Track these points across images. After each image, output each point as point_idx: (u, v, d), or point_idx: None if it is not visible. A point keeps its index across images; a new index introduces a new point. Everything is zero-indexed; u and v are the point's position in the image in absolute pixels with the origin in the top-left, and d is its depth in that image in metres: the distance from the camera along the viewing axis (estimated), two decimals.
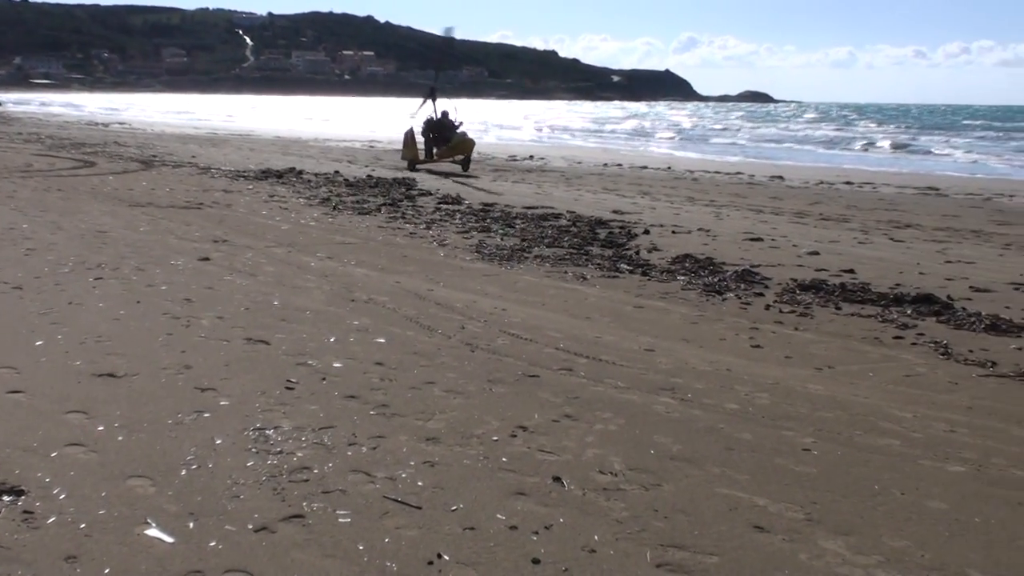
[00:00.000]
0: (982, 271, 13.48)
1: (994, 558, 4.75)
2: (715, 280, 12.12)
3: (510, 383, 7.53)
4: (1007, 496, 5.54)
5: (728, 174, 32.63)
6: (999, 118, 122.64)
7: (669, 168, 35.24)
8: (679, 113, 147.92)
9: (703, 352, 8.75)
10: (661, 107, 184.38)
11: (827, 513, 5.22)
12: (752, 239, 16.14)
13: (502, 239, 15.17)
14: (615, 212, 19.41)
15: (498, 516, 5.07)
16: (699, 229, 17.24)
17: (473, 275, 12.12)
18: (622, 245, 14.92)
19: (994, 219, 20.79)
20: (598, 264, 13.15)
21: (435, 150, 31.14)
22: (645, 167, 35.47)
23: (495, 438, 6.26)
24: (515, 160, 37.16)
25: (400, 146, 32.64)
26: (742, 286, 11.81)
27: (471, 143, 31.19)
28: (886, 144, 61.18)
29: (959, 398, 7.50)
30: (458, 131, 31.14)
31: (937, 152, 54.79)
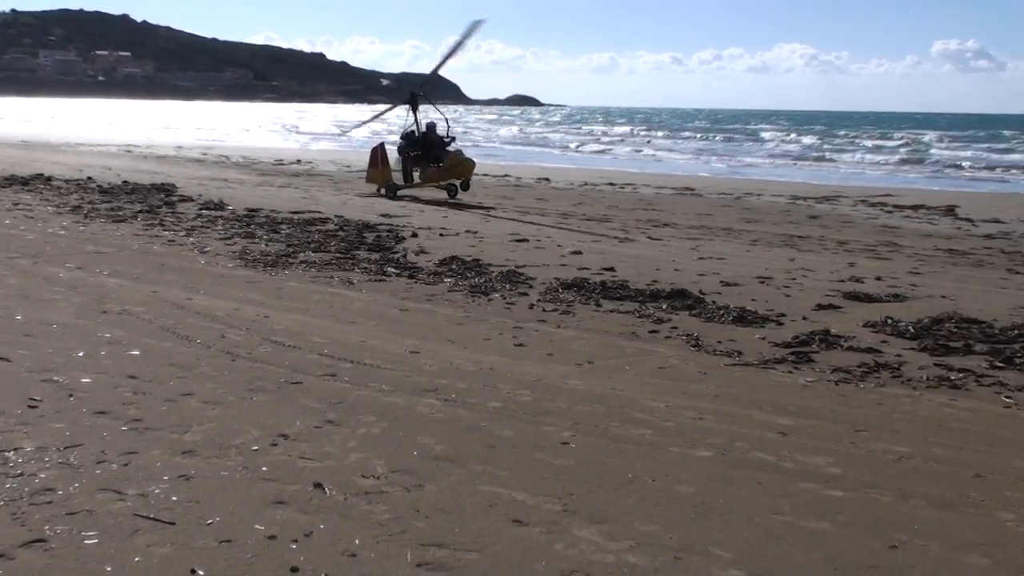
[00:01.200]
0: (732, 266, 14.26)
1: (735, 535, 5.03)
2: (481, 281, 12.29)
3: (272, 391, 7.38)
4: (748, 477, 5.87)
5: (496, 176, 33.15)
6: (741, 120, 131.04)
7: None
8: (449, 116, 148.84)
9: (468, 352, 8.85)
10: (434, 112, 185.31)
11: (583, 503, 5.38)
12: (518, 240, 16.46)
13: (267, 245, 14.85)
14: (383, 216, 19.37)
15: (256, 526, 4.95)
16: (467, 231, 17.45)
17: (235, 282, 11.81)
18: (390, 249, 14.91)
19: (743, 217, 22.06)
20: (365, 268, 13.07)
21: (417, 172, 25.41)
22: None
23: (255, 447, 6.12)
24: (282, 164, 36.45)
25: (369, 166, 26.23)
26: (507, 286, 12.02)
27: (471, 164, 25.43)
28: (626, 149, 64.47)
29: (708, 387, 7.90)
30: (450, 148, 25.46)
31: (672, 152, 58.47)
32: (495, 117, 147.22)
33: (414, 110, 25.95)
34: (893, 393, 7.82)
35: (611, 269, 13.53)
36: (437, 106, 27.02)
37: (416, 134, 25.48)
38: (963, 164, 49.23)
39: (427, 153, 25.21)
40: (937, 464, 6.18)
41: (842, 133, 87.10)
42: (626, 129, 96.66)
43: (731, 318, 10.49)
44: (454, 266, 13.35)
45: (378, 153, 25.72)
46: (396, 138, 26.62)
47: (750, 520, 5.23)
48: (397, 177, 25.33)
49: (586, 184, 30.66)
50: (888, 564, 4.76)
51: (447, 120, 26.54)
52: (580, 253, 15.12)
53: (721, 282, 12.74)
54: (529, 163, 44.65)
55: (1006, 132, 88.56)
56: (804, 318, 10.59)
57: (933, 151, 60.46)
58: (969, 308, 11.15)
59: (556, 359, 8.74)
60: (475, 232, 17.33)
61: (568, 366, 8.49)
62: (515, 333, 9.70)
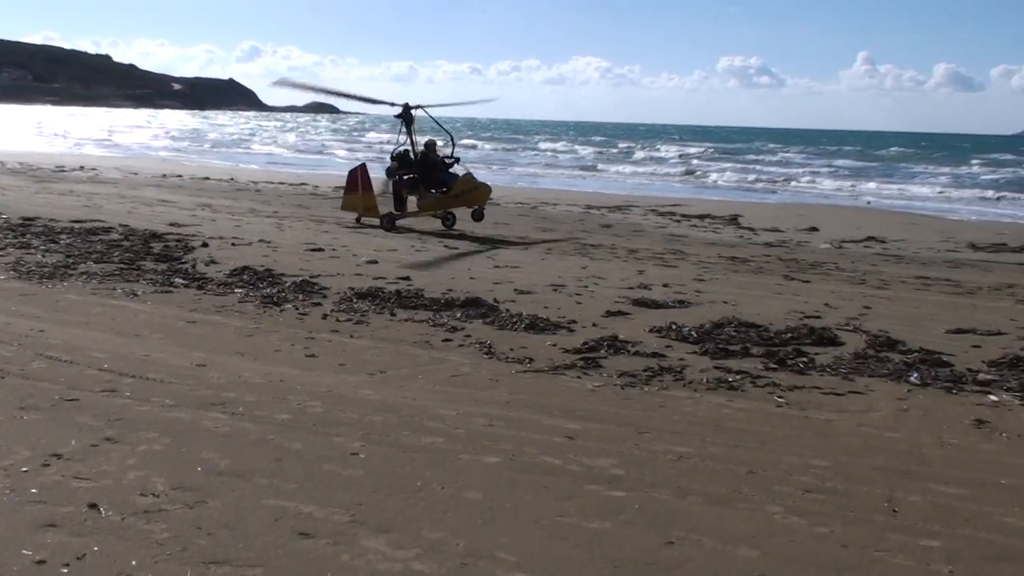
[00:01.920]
0: (526, 274, 14.50)
1: (520, 539, 5.11)
2: (274, 291, 12.04)
3: (45, 409, 7.01)
4: (535, 481, 5.98)
5: (293, 184, 32.63)
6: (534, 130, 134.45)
7: (232, 179, 34.57)
8: (239, 123, 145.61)
9: (257, 364, 8.66)
10: (224, 117, 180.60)
11: (371, 513, 5.35)
12: (313, 249, 16.25)
13: (43, 255, 14.09)
14: (172, 225, 18.71)
15: (24, 551, 4.69)
16: (260, 240, 17.08)
17: (7, 295, 11.15)
18: (178, 259, 14.42)
19: (539, 225, 22.50)
20: (151, 279, 12.59)
21: (416, 199, 21.62)
22: (207, 178, 34.54)
23: (24, 469, 5.79)
24: (63, 170, 34.69)
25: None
26: (300, 296, 11.83)
27: (486, 189, 21.82)
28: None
29: (499, 394, 7.99)
30: (454, 170, 21.85)
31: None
32: (280, 124, 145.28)
33: (407, 127, 21.75)
34: (675, 395, 8.12)
35: (407, 278, 13.52)
36: (440, 122, 22.86)
37: (412, 155, 21.65)
38: (751, 176, 51.63)
39: (428, 177, 21.38)
40: (714, 462, 6.45)
41: (623, 145, 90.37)
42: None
43: (524, 326, 10.65)
44: (245, 276, 13.03)
45: (358, 175, 21.77)
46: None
47: (536, 523, 5.32)
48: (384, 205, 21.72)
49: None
50: (665, 559, 4.94)
51: (452, 137, 22.85)
52: (376, 262, 15.05)
53: (515, 290, 12.94)
54: (318, 171, 44.13)
55: (788, 144, 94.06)
56: (594, 325, 10.87)
57: (723, 162, 63.39)
58: (748, 312, 11.71)
59: (348, 369, 8.65)
60: (269, 242, 16.98)
61: (360, 376, 8.42)
62: (307, 344, 9.55)
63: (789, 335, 10.55)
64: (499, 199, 29.97)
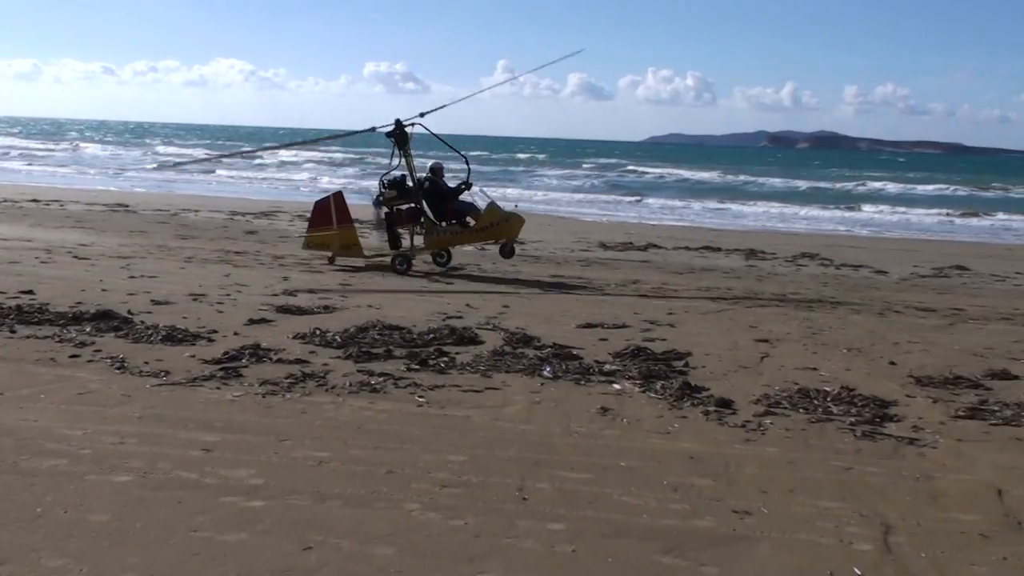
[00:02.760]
0: (165, 284, 13.91)
1: (150, 558, 4.88)
2: None
3: None
4: (168, 497, 5.73)
5: None
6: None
7: None
8: None
9: None
10: None
11: None
12: None
13: None
14: None
15: None
16: None
17: None
18: None
19: (178, 233, 21.67)
20: None
21: (416, 234, 17.92)
22: None
23: None
24: None
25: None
26: None
27: (519, 221, 17.96)
28: None
29: (131, 410, 7.59)
30: (466, 197, 18.25)
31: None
32: None
33: (401, 147, 17.84)
34: (317, 401, 8.08)
35: (30, 292, 12.52)
36: (445, 141, 18.74)
37: (413, 181, 17.80)
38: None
39: (438, 207, 17.82)
40: (354, 465, 6.48)
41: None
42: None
43: (160, 337, 10.19)
44: None
45: (331, 206, 17.97)
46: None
47: (167, 540, 5.10)
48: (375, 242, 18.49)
49: (5, 200, 28.25)
50: (302, 565, 4.90)
51: (467, 161, 19.12)
52: None
53: (152, 301, 12.38)
54: None
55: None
56: (236, 333, 10.60)
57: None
58: (393, 316, 11.89)
59: None
60: None
61: None
62: None
63: (431, 336, 10.81)
64: (135, 206, 28.65)
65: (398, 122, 17.72)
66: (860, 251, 24.08)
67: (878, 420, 8.12)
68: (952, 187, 64.62)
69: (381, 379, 8.84)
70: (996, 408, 8.66)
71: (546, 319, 12.37)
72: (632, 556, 5.21)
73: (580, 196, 47.28)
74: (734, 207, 43.40)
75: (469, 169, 18.64)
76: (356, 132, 20.05)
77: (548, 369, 9.49)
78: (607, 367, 9.71)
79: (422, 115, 17.92)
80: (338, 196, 18.38)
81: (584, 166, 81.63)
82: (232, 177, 53.96)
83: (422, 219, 17.66)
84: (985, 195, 60.71)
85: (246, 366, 9.15)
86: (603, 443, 7.24)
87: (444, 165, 18.61)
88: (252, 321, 11.31)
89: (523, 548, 5.23)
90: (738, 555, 5.29)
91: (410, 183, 17.73)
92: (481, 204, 18.13)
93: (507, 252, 17.85)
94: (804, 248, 23.94)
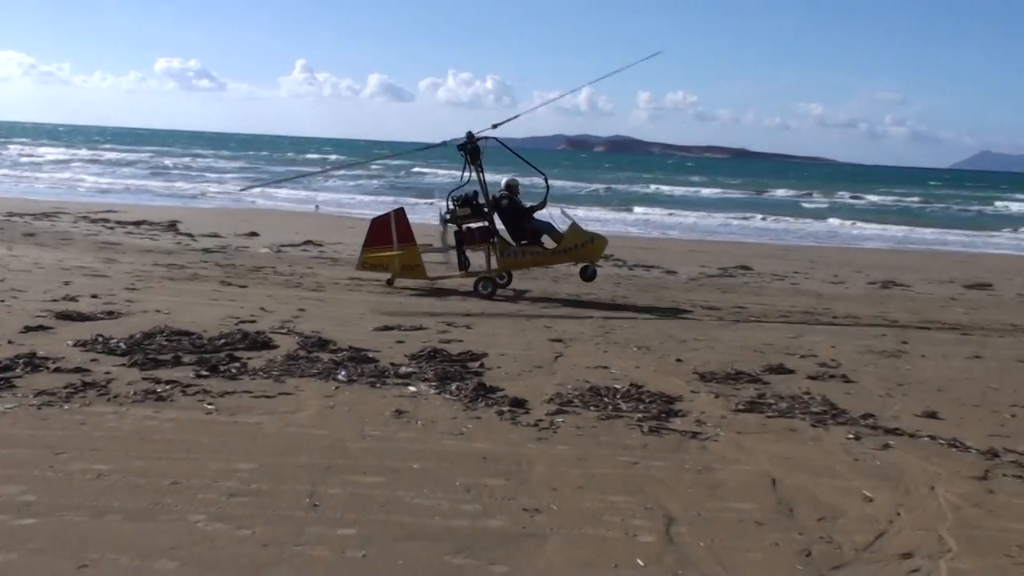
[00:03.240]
0: None
1: None
2: None
3: None
4: None
5: None
6: None
7: None
8: None
9: None
10: None
11: None
12: None
13: None
14: None
15: None
16: None
17: None
18: None
19: None
20: None
21: (491, 253, 16.67)
22: None
23: None
24: None
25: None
26: None
27: (603, 242, 16.85)
28: None
29: None
30: (542, 216, 17.05)
31: None
32: None
33: (473, 161, 16.59)
34: (98, 411, 7.71)
35: None
36: (519, 154, 17.47)
37: (486, 197, 16.62)
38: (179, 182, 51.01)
39: (516, 226, 16.69)
40: (136, 477, 6.22)
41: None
42: None
43: None
44: None
45: (392, 224, 16.59)
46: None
47: None
48: (434, 264, 17.13)
49: None
50: None
51: (547, 179, 17.69)
52: None
53: None
54: None
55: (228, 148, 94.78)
56: (10, 342, 9.98)
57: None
58: (182, 321, 11.50)
59: None
60: None
61: None
62: None
63: (223, 341, 10.51)
64: None
65: (470, 135, 16.62)
66: (651, 252, 24.92)
67: (664, 415, 8.44)
68: (731, 191, 67.99)
69: (168, 387, 8.53)
70: (773, 401, 9.15)
71: (343, 322, 12.24)
72: (423, 558, 5.22)
73: (370, 198, 47.01)
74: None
75: (548, 186, 17.50)
76: (430, 146, 18.88)
77: (343, 373, 9.40)
78: (403, 369, 9.70)
79: (494, 127, 16.78)
80: (399, 213, 16.92)
81: (373, 167, 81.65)
82: (8, 175, 51.05)
83: (493, 239, 16.66)
84: (762, 198, 64.44)
85: (20, 376, 8.63)
86: (397, 446, 7.22)
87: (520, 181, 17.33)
88: (28, 328, 10.68)
89: (312, 555, 5.16)
90: (527, 553, 5.38)
91: (482, 200, 16.69)
92: (558, 224, 16.95)
93: (589, 275, 16.61)
94: None
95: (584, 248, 16.41)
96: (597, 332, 12.58)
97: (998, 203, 69.94)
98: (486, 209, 16.51)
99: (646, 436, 7.81)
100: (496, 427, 7.88)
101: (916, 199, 72.91)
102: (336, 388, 8.88)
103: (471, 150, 16.47)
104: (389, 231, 16.47)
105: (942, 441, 8.02)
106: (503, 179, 17.05)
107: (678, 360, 10.93)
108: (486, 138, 16.64)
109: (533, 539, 5.57)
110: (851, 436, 8.08)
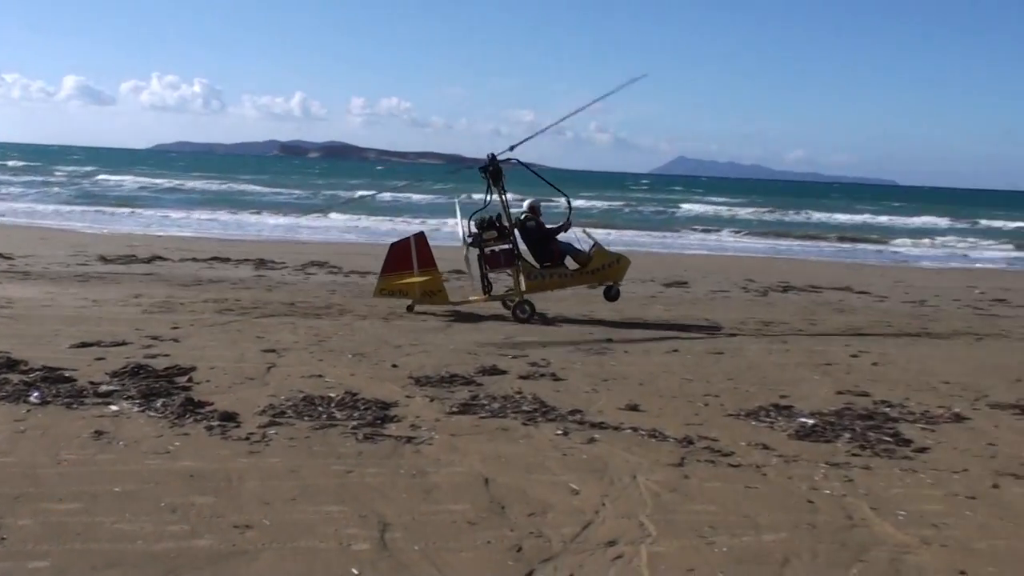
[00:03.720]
0: None
1: None
2: None
3: None
4: None
5: None
6: None
7: None
8: None
9: None
10: None
11: None
12: None
13: None
14: None
15: None
16: None
17: None
18: None
19: None
20: None
21: (519, 275, 16.07)
22: None
23: None
24: None
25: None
26: None
27: (627, 263, 16.66)
28: None
29: None
30: (566, 238, 16.67)
31: None
32: None
33: (495, 183, 16.10)
34: None
35: None
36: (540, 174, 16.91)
37: (508, 220, 16.30)
38: None
39: (541, 248, 16.37)
40: None
41: None
42: None
43: None
44: None
45: (412, 248, 15.99)
46: None
47: None
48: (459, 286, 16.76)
49: None
50: None
51: (569, 200, 17.16)
52: None
53: None
54: None
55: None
56: None
57: None
58: None
59: None
60: None
61: None
62: None
63: None
64: None
65: (492, 157, 16.10)
66: (367, 258, 24.88)
67: (379, 422, 8.44)
68: (440, 196, 69.17)
69: None
70: (486, 402, 9.35)
71: (35, 340, 11.42)
72: None
73: (68, 208, 44.41)
74: (246, 217, 43.22)
75: (570, 208, 17.11)
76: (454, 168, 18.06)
77: (36, 394, 8.77)
78: (103, 388, 9.19)
79: (512, 148, 16.20)
80: (420, 237, 16.27)
81: (57, 174, 77.42)
82: None
83: (518, 262, 16.21)
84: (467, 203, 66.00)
85: None
86: (96, 469, 6.81)
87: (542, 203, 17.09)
88: None
89: None
90: (237, 570, 5.22)
91: (506, 222, 16.36)
92: (580, 245, 16.72)
93: (613, 295, 16.66)
94: (314, 257, 24.34)
95: (610, 269, 16.51)
96: (312, 341, 12.39)
97: (684, 205, 75.31)
98: (507, 232, 16.35)
99: (361, 444, 7.77)
100: (205, 443, 7.59)
101: (619, 202, 76.77)
102: (28, 411, 8.28)
103: (493, 172, 16.21)
104: (409, 256, 16.09)
105: (643, 432, 8.47)
106: (526, 201, 16.98)
107: (394, 366, 10.97)
108: (508, 159, 16.32)
109: (243, 556, 5.40)
110: (560, 432, 8.38)
